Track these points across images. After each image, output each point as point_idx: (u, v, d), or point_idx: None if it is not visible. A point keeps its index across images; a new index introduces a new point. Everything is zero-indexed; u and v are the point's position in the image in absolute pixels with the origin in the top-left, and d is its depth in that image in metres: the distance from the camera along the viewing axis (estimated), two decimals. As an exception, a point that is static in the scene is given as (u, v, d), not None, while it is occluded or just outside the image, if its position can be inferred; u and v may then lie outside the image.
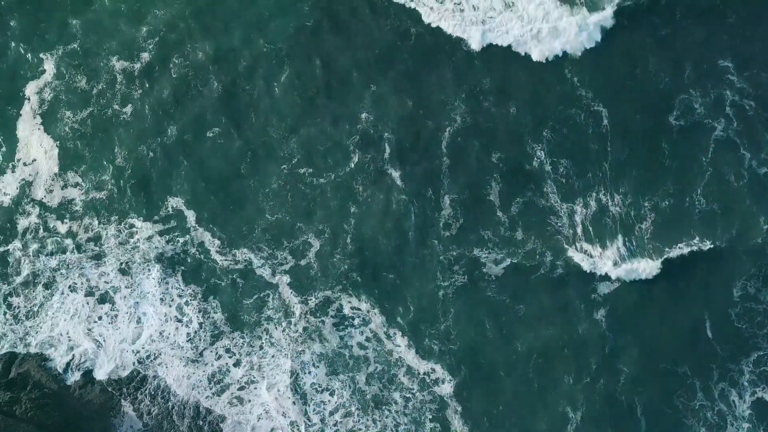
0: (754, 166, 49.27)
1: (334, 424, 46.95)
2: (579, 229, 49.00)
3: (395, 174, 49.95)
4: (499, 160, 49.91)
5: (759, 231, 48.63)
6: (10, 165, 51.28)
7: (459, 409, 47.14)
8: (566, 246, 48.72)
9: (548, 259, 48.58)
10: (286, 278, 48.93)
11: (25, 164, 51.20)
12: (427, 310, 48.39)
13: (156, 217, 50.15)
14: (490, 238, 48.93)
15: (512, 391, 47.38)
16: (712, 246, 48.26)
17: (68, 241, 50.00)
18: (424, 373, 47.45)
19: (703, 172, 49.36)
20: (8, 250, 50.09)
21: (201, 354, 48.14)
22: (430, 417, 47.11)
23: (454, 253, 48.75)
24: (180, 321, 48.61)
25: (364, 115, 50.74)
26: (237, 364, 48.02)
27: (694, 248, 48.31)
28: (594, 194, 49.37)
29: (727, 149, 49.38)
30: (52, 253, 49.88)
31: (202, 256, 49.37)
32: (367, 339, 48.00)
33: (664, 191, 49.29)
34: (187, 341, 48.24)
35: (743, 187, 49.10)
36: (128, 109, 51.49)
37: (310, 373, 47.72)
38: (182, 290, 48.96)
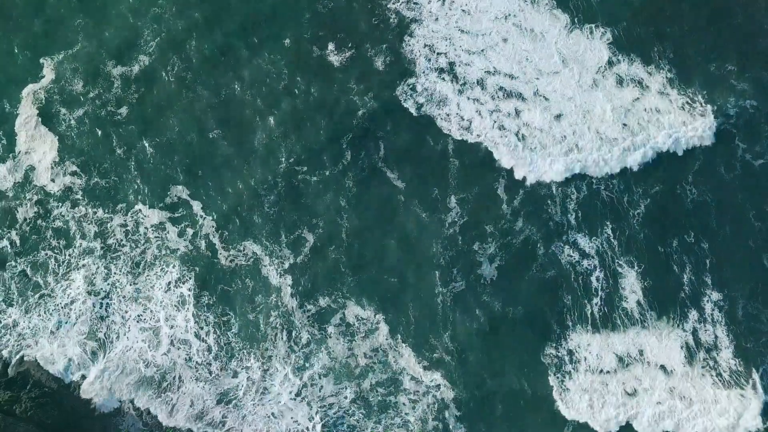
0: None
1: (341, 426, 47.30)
2: (571, 217, 49.64)
3: (391, 173, 50.54)
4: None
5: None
6: (11, 156, 51.28)
7: (457, 413, 47.35)
8: (556, 238, 49.35)
9: (540, 252, 49.09)
10: (287, 280, 49.09)
11: (26, 154, 51.30)
12: (427, 309, 48.90)
13: (162, 204, 50.38)
14: (491, 232, 49.56)
15: (508, 390, 47.80)
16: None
17: (73, 236, 50.02)
18: (428, 381, 47.67)
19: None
20: (10, 243, 50.10)
21: (210, 364, 48.16)
22: (432, 417, 47.31)
23: (452, 253, 49.26)
24: (188, 327, 48.59)
25: (360, 112, 51.41)
26: (246, 376, 48.05)
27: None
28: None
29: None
30: (57, 247, 49.91)
31: (210, 254, 49.63)
32: (373, 349, 48.23)
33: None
34: (195, 350, 48.24)
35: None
36: (124, 110, 51.80)
37: (316, 382, 47.90)
38: (189, 293, 49.06)
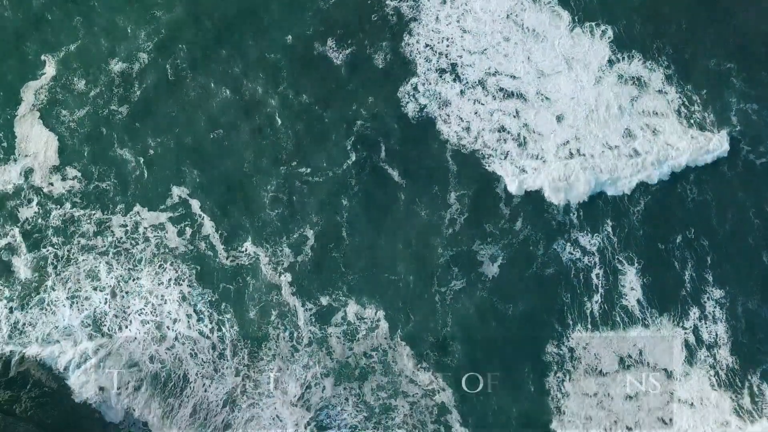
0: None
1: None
2: (573, 216, 49.62)
3: (392, 171, 50.38)
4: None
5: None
6: (12, 158, 51.11)
7: (457, 415, 47.33)
8: (559, 237, 49.31)
9: (540, 252, 49.03)
10: (288, 278, 49.02)
11: (26, 156, 51.08)
12: (427, 312, 48.80)
13: (162, 206, 50.24)
14: (490, 231, 49.47)
15: (509, 391, 47.77)
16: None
17: (72, 234, 49.86)
18: (427, 382, 47.63)
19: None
20: (12, 241, 49.90)
21: (214, 362, 48.09)
22: (432, 420, 47.30)
23: (453, 251, 49.18)
24: (191, 324, 48.56)
25: (361, 112, 51.31)
26: (245, 376, 47.93)
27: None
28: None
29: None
30: (57, 244, 49.71)
31: (210, 253, 49.48)
32: (373, 348, 48.14)
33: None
34: (197, 348, 48.20)
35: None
36: (127, 108, 51.65)
37: (319, 381, 47.80)
38: (190, 291, 48.98)
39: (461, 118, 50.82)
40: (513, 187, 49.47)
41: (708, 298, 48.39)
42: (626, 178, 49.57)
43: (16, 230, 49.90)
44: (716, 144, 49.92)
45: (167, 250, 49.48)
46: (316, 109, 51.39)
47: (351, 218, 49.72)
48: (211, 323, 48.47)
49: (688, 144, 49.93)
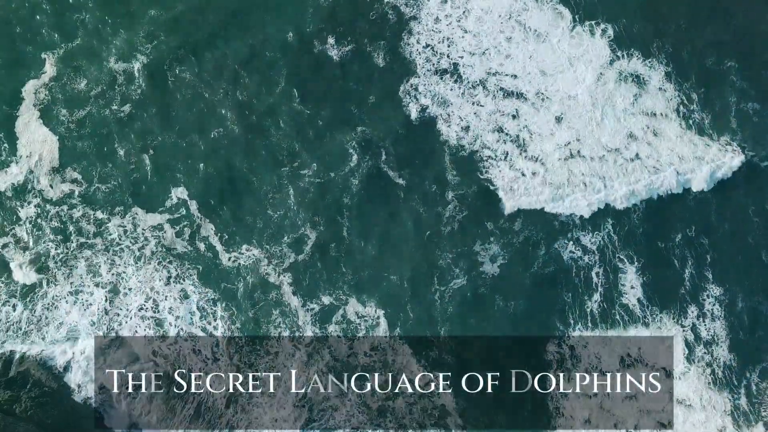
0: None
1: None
2: (575, 217, 49.66)
3: (392, 171, 50.34)
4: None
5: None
6: (13, 159, 50.96)
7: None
8: (559, 235, 49.36)
9: (541, 251, 49.03)
10: (288, 278, 49.00)
11: (26, 156, 50.94)
12: (427, 312, 48.82)
13: (161, 208, 50.11)
14: (491, 230, 49.48)
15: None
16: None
17: (71, 234, 49.75)
18: (426, 382, 47.61)
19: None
20: (13, 241, 49.81)
21: (215, 361, 48.11)
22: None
23: (452, 254, 49.18)
24: (194, 321, 48.56)
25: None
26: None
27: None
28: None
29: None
30: (58, 243, 49.58)
31: (210, 253, 49.43)
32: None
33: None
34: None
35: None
36: (127, 108, 51.49)
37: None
38: (193, 290, 48.96)
39: (461, 119, 50.78)
40: (508, 206, 49.47)
41: (707, 296, 48.62)
42: (630, 186, 49.58)
43: (17, 229, 49.82)
44: (716, 154, 50.04)
45: (167, 250, 49.44)
46: (316, 108, 51.30)
47: (351, 218, 49.70)
48: (214, 320, 48.49)
49: (692, 152, 49.99)
